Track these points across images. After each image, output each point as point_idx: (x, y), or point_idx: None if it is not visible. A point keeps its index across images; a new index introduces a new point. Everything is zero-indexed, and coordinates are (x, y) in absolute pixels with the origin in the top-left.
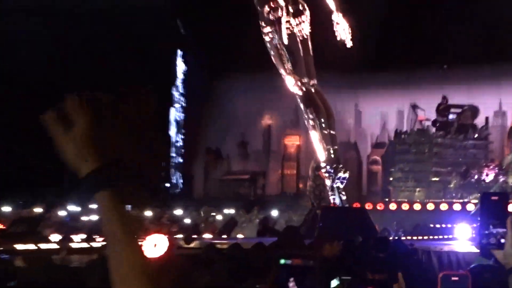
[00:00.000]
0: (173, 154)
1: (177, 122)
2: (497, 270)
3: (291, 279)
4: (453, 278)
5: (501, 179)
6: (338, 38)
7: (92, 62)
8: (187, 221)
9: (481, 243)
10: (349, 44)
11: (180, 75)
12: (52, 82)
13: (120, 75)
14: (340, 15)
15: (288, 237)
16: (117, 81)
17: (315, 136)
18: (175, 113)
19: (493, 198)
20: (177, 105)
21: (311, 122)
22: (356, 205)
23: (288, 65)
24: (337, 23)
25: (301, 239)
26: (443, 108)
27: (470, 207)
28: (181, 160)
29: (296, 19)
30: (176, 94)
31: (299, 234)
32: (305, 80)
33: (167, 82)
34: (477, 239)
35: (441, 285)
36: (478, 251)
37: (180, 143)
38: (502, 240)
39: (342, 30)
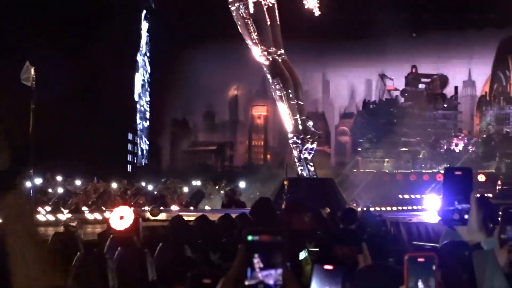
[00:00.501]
0: (139, 120)
1: (142, 87)
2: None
3: (256, 255)
4: (419, 260)
5: (470, 149)
6: (306, 7)
7: (55, 19)
8: (154, 192)
9: (445, 218)
10: (317, 13)
11: (144, 39)
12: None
13: (84, 34)
14: None
15: (259, 209)
16: (81, 40)
17: (282, 106)
18: (140, 78)
19: (457, 173)
20: (141, 71)
21: (278, 93)
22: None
23: (254, 35)
24: None
25: (273, 211)
26: (412, 78)
27: (439, 177)
28: (146, 125)
29: None
30: (140, 59)
31: (271, 205)
32: (272, 50)
33: (131, 46)
34: (441, 214)
35: (408, 268)
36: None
37: (146, 109)
38: (466, 216)
39: None
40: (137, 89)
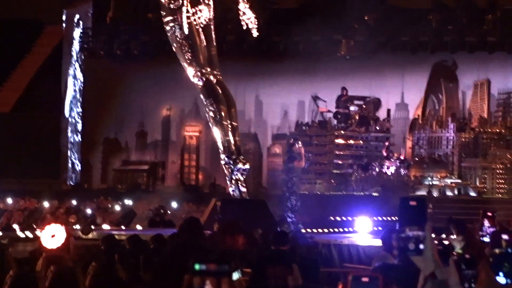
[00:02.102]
0: (70, 134)
1: (73, 97)
2: (401, 269)
3: (208, 281)
4: (364, 279)
5: (402, 172)
6: (244, 28)
7: None
8: (86, 211)
9: (400, 247)
10: (255, 34)
11: (76, 45)
12: None
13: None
14: (247, 5)
15: (188, 228)
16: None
17: (215, 127)
18: (71, 88)
19: (412, 203)
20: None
21: (211, 114)
22: (257, 197)
23: (188, 55)
24: (243, 13)
25: (201, 231)
26: (344, 100)
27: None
28: (78, 140)
29: (197, 7)
30: (71, 69)
31: (199, 225)
32: (206, 70)
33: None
34: (393, 242)
35: (351, 287)
36: (379, 244)
37: (78, 121)
38: (421, 246)
39: (248, 19)
40: (68, 98)
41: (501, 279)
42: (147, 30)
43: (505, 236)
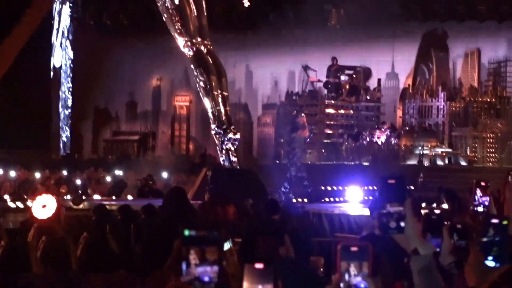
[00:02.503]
0: (60, 108)
1: (64, 72)
2: (387, 240)
3: (192, 251)
4: (353, 249)
5: (393, 141)
6: None
7: None
8: (76, 182)
9: (381, 224)
10: (246, 3)
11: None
12: None
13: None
14: None
15: (173, 199)
16: None
17: (205, 97)
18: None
19: (390, 181)
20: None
21: (201, 83)
22: (247, 166)
23: (179, 25)
24: None
25: (187, 202)
26: (335, 69)
27: (363, 169)
28: (67, 113)
29: None
30: (61, 42)
31: (184, 196)
32: (197, 40)
33: (51, 28)
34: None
35: (341, 257)
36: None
37: (68, 96)
38: (402, 224)
39: None
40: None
41: (490, 262)
42: (136, 0)
43: (494, 220)
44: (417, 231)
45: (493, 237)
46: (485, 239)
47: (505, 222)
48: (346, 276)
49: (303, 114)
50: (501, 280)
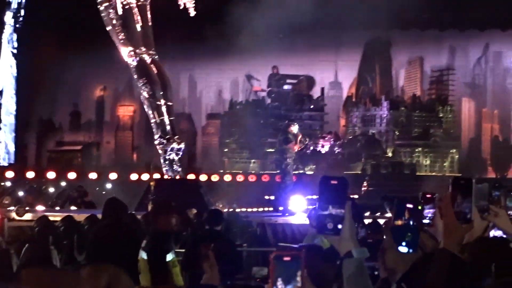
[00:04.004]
0: (3, 116)
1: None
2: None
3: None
4: (285, 258)
5: (337, 150)
6: (181, 7)
7: None
8: (19, 193)
9: (320, 226)
10: (192, 13)
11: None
12: None
13: None
14: None
15: (110, 210)
16: None
17: (148, 107)
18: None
19: (333, 182)
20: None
21: (144, 93)
22: (191, 176)
23: (122, 35)
24: None
25: (125, 211)
26: (277, 79)
27: (306, 179)
28: (11, 121)
29: None
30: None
31: (121, 205)
32: (140, 50)
33: None
34: (315, 221)
35: (273, 267)
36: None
37: (12, 104)
38: (339, 226)
39: None
40: (1, 81)
41: (403, 248)
42: (80, 11)
43: (409, 205)
44: (353, 235)
45: (407, 221)
46: (399, 222)
47: (420, 207)
48: (279, 285)
49: (295, 124)
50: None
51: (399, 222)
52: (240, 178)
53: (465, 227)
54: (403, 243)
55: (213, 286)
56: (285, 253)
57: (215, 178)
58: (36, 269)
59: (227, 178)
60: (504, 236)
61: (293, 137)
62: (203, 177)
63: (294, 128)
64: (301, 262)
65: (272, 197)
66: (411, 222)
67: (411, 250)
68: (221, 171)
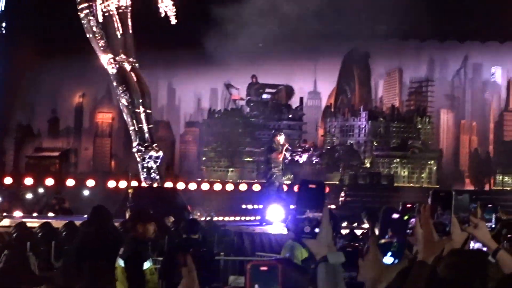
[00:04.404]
0: None
1: None
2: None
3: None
4: (262, 268)
5: (315, 160)
6: (163, 15)
7: None
8: None
9: (297, 229)
10: (173, 21)
11: None
12: None
13: None
14: None
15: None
16: None
17: (127, 114)
18: None
19: (311, 186)
20: None
21: (123, 101)
22: (168, 184)
23: (102, 42)
24: (161, 1)
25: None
26: (256, 88)
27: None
28: None
29: None
30: None
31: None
32: (120, 57)
33: None
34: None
35: (250, 277)
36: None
37: None
38: (316, 230)
39: (166, 7)
40: None
41: (388, 259)
42: (60, 17)
43: (395, 215)
44: (329, 239)
45: (392, 237)
46: (383, 241)
47: (406, 217)
48: None
49: (282, 134)
50: (399, 278)
51: (383, 241)
52: (218, 186)
53: (444, 239)
54: (389, 254)
55: None
56: (262, 263)
57: (192, 186)
58: None
59: (205, 186)
60: (484, 248)
61: (278, 147)
62: (180, 185)
63: (281, 138)
64: (278, 272)
65: (250, 206)
66: (395, 240)
67: (396, 261)
68: (199, 179)
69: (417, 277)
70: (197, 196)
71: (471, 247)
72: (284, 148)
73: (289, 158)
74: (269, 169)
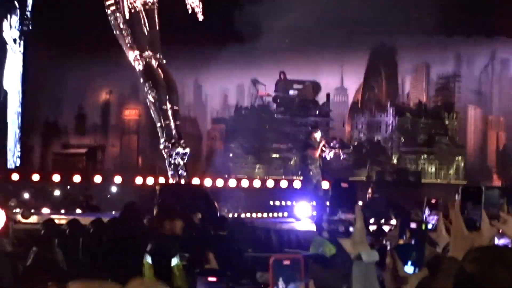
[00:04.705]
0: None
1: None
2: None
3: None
4: (285, 262)
5: (342, 156)
6: (190, 12)
7: None
8: (25, 195)
9: (330, 229)
10: (200, 17)
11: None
12: None
13: None
14: None
15: (128, 214)
16: None
17: (154, 111)
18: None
19: (344, 185)
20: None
21: (150, 97)
22: (196, 181)
23: (129, 39)
24: None
25: (139, 216)
26: (283, 84)
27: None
28: (18, 123)
29: None
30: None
31: (138, 210)
32: (147, 53)
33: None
34: (324, 224)
35: (273, 271)
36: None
37: (18, 108)
38: (351, 229)
39: (193, 3)
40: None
41: (409, 268)
42: (87, 14)
43: (412, 225)
44: (363, 237)
45: (409, 240)
46: (401, 241)
47: (423, 227)
48: (280, 286)
49: (318, 131)
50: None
51: (401, 241)
52: (245, 183)
53: (474, 235)
54: (409, 263)
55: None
56: (285, 256)
57: (220, 183)
58: (80, 284)
59: (232, 183)
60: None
61: (314, 143)
62: (207, 182)
63: (317, 135)
64: (301, 266)
65: (277, 203)
66: (413, 242)
67: (417, 269)
68: (226, 176)
69: (447, 272)
70: (225, 193)
71: (496, 243)
72: (322, 144)
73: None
74: (306, 166)
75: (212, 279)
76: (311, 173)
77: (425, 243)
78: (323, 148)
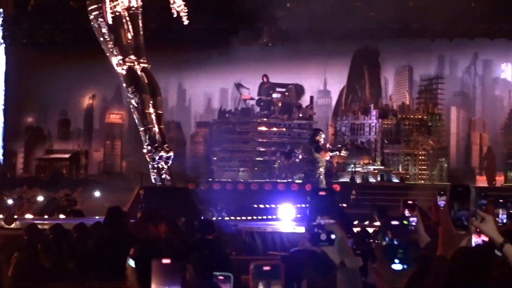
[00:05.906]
0: None
1: None
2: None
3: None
4: (265, 268)
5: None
6: (175, 15)
7: None
8: (8, 201)
9: (312, 236)
10: (186, 22)
11: None
12: None
13: None
14: None
15: (112, 218)
16: None
17: (137, 115)
18: None
19: (321, 193)
20: None
21: (133, 102)
22: (180, 185)
23: (111, 44)
24: (173, 1)
25: (126, 220)
26: (266, 87)
27: (294, 187)
28: (0, 129)
29: None
30: None
31: (123, 214)
32: (130, 58)
33: None
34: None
35: (253, 277)
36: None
37: (1, 113)
38: (333, 236)
39: (178, 7)
40: None
41: (397, 266)
42: (70, 18)
43: (394, 222)
44: (345, 245)
45: (392, 239)
46: (384, 243)
47: (405, 222)
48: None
49: (321, 133)
50: (410, 284)
51: (384, 243)
52: (229, 186)
53: (463, 234)
54: (396, 261)
55: None
56: (265, 262)
57: (204, 186)
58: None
59: (216, 186)
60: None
61: (322, 146)
62: (192, 186)
63: (322, 138)
64: (281, 272)
65: (262, 206)
66: (395, 241)
67: (405, 266)
68: (210, 179)
69: (438, 271)
70: (208, 196)
71: (473, 242)
72: (327, 146)
73: (300, 158)
74: (317, 168)
75: (166, 261)
76: (321, 177)
77: (409, 238)
78: (331, 152)
